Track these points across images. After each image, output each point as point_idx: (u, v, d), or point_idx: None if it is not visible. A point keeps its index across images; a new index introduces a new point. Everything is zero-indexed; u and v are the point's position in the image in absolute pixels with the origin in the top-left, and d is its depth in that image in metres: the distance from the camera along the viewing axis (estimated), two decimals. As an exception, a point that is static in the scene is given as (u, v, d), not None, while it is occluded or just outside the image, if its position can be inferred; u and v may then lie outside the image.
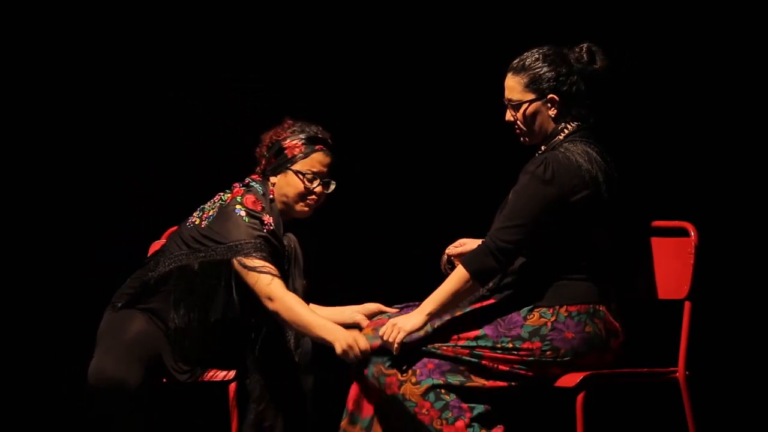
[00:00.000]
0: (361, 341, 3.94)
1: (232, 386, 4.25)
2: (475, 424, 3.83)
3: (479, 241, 3.95)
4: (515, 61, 3.99)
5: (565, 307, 3.88)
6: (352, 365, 3.99)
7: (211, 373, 4.24)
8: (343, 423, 4.01)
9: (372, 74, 5.71)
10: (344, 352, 3.94)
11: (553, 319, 3.87)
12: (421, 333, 3.92)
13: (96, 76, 5.80)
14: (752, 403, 5.32)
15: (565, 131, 3.97)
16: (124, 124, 5.82)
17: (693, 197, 5.26)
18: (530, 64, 3.96)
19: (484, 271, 3.86)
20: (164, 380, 4.21)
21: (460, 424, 3.84)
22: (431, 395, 3.85)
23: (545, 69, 3.95)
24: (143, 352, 4.13)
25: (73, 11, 5.76)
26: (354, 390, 4.01)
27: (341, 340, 3.95)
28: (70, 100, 5.81)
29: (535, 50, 3.99)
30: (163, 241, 4.64)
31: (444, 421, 3.84)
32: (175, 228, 4.64)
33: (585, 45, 3.99)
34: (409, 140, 5.71)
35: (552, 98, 3.95)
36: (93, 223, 5.81)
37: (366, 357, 3.94)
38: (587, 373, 3.89)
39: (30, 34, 5.78)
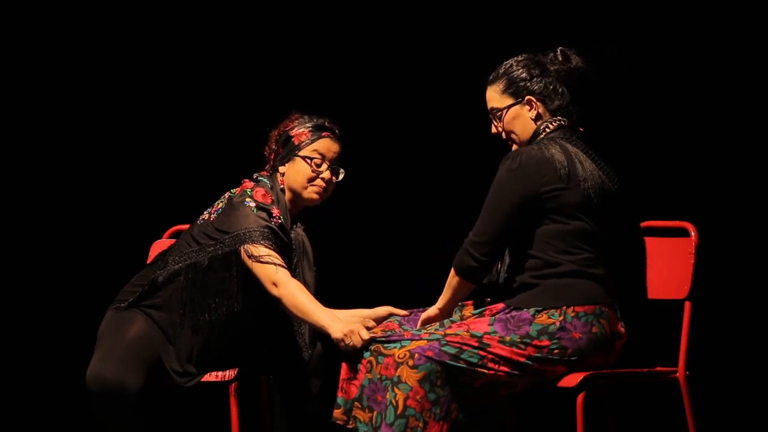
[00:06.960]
0: (362, 332, 3.95)
1: (233, 386, 4.26)
2: None
3: None
4: (492, 74, 4.09)
5: (572, 307, 3.90)
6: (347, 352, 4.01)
7: (211, 374, 4.24)
8: (335, 413, 4.02)
9: (384, 73, 5.71)
10: (340, 339, 3.96)
11: (561, 318, 3.89)
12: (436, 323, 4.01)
13: (96, 76, 5.81)
14: (752, 403, 5.32)
15: (547, 130, 4.02)
16: (125, 124, 5.83)
17: (693, 197, 5.26)
18: (504, 71, 4.06)
19: (466, 269, 3.95)
20: (165, 383, 4.20)
21: (444, 426, 3.85)
22: (427, 384, 3.85)
23: (519, 72, 4.03)
24: (143, 355, 4.13)
25: (75, 11, 5.77)
26: (343, 374, 4.02)
27: (338, 329, 3.96)
28: (70, 100, 5.82)
29: (508, 60, 4.07)
30: (164, 240, 4.65)
31: (432, 415, 3.85)
32: (177, 227, 4.66)
33: (558, 48, 4.07)
34: (421, 144, 5.70)
35: (529, 99, 4.02)
36: (93, 223, 5.82)
37: (364, 347, 3.96)
38: (587, 373, 3.89)
39: (31, 34, 5.79)
